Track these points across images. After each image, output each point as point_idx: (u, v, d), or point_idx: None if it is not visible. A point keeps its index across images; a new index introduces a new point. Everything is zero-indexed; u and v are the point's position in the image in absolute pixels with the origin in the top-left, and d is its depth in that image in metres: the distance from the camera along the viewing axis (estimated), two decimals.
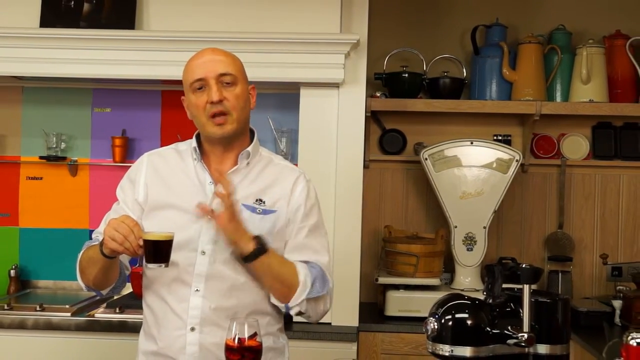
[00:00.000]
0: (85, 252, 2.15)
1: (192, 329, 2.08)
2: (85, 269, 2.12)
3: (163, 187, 2.17)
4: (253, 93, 2.21)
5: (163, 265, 1.98)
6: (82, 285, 2.19)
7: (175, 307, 2.10)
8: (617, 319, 3.39)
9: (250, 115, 2.19)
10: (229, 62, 2.12)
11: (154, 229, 2.12)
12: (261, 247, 2.02)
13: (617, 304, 3.41)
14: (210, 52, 2.14)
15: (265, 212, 2.14)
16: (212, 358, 2.06)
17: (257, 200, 2.14)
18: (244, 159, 2.16)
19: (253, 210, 2.12)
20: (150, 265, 1.98)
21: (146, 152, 2.29)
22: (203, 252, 2.10)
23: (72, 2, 3.36)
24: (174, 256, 2.09)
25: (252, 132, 2.24)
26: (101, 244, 1.99)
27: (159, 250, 1.97)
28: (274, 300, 2.13)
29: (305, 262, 2.14)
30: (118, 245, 1.92)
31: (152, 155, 2.26)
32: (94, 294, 3.56)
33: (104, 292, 2.22)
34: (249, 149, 2.17)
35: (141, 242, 1.94)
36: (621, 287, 3.52)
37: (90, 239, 2.23)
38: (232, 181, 2.10)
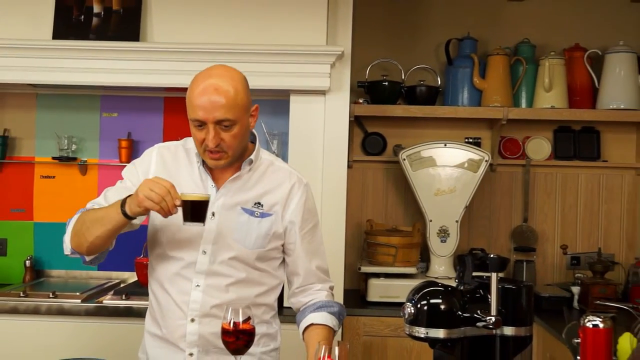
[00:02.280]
0: (89, 213, 2.03)
1: (192, 320, 2.06)
2: (87, 230, 1.99)
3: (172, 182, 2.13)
4: (255, 113, 2.08)
5: (201, 224, 1.90)
6: (68, 247, 2.07)
7: (177, 299, 2.08)
8: (575, 304, 3.42)
9: (249, 133, 2.09)
10: (229, 106, 1.95)
11: (159, 228, 2.11)
12: None
13: (576, 289, 3.43)
14: (213, 90, 1.95)
15: (263, 215, 2.10)
16: (210, 346, 2.06)
17: (255, 204, 2.10)
18: (247, 165, 2.11)
19: (251, 213, 2.09)
20: (188, 224, 1.90)
21: (158, 144, 2.21)
22: (204, 252, 2.07)
23: (82, 16, 3.34)
24: (178, 253, 2.08)
25: (253, 135, 2.17)
26: (122, 203, 1.91)
27: (196, 210, 1.89)
28: None
29: (322, 303, 2.14)
30: (154, 204, 1.83)
31: (162, 149, 2.19)
32: (102, 282, 3.57)
33: (87, 259, 2.09)
34: (252, 157, 2.12)
35: (177, 202, 1.86)
36: (579, 275, 3.54)
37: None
38: (233, 187, 2.08)
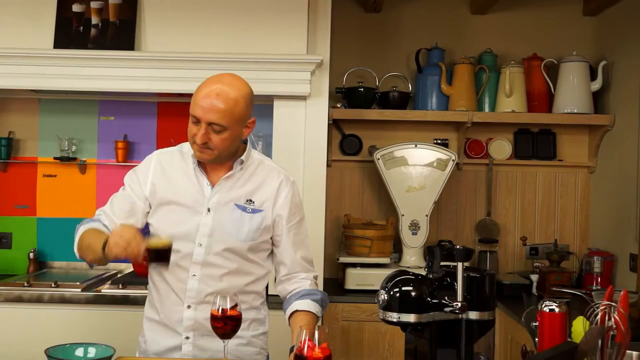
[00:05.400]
0: (86, 236, 2.03)
1: (189, 307, 2.07)
2: (82, 252, 2.03)
3: (167, 185, 2.11)
4: (251, 125, 2.06)
5: (166, 264, 1.91)
6: (77, 255, 2.09)
7: (175, 287, 2.08)
8: (534, 290, 3.44)
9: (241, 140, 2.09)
10: (225, 113, 1.95)
11: (159, 222, 2.10)
12: None
13: (534, 277, 3.45)
14: (216, 95, 1.95)
15: (254, 211, 2.10)
16: (205, 330, 2.05)
17: (247, 201, 2.10)
18: (238, 165, 2.11)
19: (244, 209, 2.09)
20: (154, 265, 1.91)
21: (155, 152, 2.21)
22: (200, 245, 2.07)
23: (82, 27, 3.31)
24: (177, 245, 2.06)
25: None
26: (104, 244, 1.89)
27: (160, 255, 1.88)
28: None
29: (306, 291, 2.13)
30: (122, 250, 1.83)
31: (160, 155, 2.18)
32: (101, 272, 3.55)
33: (93, 266, 2.16)
34: (243, 157, 2.11)
35: (142, 248, 1.83)
36: (537, 264, 3.56)
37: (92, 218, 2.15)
38: (226, 185, 2.08)
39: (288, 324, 2.11)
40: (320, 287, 3.24)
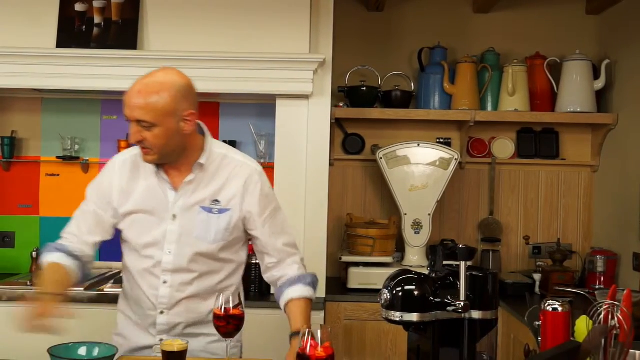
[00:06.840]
0: (45, 272, 1.99)
1: (162, 312, 2.06)
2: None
3: (132, 192, 2.06)
4: (191, 118, 1.94)
5: None
6: None
7: (147, 292, 2.07)
8: (537, 289, 3.44)
9: (186, 135, 1.97)
10: (147, 110, 1.87)
11: (128, 230, 2.07)
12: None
13: (537, 276, 3.45)
14: (137, 92, 1.89)
15: (221, 211, 2.04)
16: (177, 332, 2.07)
17: (213, 201, 2.04)
18: (197, 168, 2.03)
19: (209, 211, 2.04)
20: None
21: (116, 157, 2.13)
22: (169, 252, 2.04)
23: (84, 27, 3.31)
24: (145, 252, 2.05)
25: (200, 128, 2.05)
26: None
27: (176, 358, 1.81)
28: None
29: (296, 277, 2.11)
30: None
31: (121, 162, 2.10)
32: (103, 272, 3.55)
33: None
34: (202, 160, 2.02)
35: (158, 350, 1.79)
36: (540, 263, 3.56)
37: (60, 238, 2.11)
38: (190, 188, 2.03)
39: (284, 312, 2.10)
40: (322, 287, 3.25)
